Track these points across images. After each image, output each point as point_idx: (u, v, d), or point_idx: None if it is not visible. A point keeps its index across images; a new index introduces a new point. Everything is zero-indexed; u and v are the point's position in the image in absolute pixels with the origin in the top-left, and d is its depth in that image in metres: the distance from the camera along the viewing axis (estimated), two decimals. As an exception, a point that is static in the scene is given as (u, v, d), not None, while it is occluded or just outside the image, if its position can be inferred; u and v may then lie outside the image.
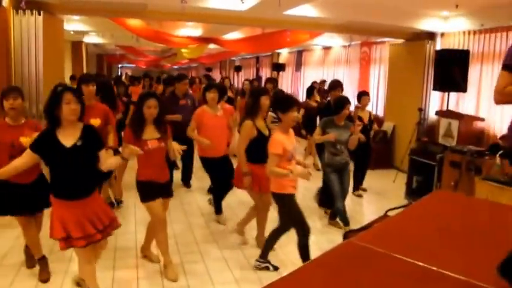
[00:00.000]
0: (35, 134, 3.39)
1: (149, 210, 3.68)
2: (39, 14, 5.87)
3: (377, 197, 6.64)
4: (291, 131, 3.76)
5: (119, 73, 30.71)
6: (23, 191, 3.46)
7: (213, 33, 10.58)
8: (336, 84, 6.15)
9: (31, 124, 3.63)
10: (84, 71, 14.78)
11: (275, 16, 7.14)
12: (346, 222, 4.91)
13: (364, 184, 6.83)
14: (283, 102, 3.64)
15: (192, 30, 10.43)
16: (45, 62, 6.00)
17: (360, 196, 6.53)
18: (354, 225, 4.90)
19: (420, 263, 1.64)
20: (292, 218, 3.72)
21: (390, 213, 4.40)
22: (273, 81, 8.52)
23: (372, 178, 7.63)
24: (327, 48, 12.46)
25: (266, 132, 4.11)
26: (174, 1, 5.73)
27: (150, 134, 3.59)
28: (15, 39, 5.82)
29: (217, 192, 5.22)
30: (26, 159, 2.90)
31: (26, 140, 3.39)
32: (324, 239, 4.77)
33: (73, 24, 10.11)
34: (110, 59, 23.43)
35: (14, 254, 4.04)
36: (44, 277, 3.62)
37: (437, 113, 7.16)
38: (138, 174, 3.70)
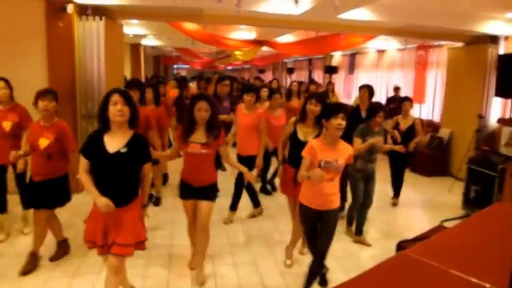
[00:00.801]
0: (52, 136, 3.67)
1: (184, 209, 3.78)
2: (101, 20, 6.15)
3: (431, 206, 6.40)
4: (343, 145, 3.43)
5: (174, 74, 31.57)
6: (33, 187, 3.78)
7: (266, 36, 10.65)
8: (362, 86, 5.86)
9: (57, 126, 3.75)
10: (142, 72, 15.39)
11: (329, 20, 7.08)
12: (359, 231, 4.86)
13: (418, 191, 6.65)
14: (327, 108, 3.46)
15: (245, 33, 10.58)
16: (106, 65, 6.27)
17: (395, 205, 6.22)
18: (406, 235, 4.79)
19: (474, 280, 1.60)
20: (303, 226, 3.63)
21: (446, 224, 4.28)
22: (316, 83, 8.36)
23: (426, 185, 7.41)
24: (381, 51, 12.21)
25: (303, 138, 3.89)
26: (229, 5, 5.83)
27: (197, 137, 3.52)
28: (79, 44, 6.13)
29: (235, 189, 5.33)
30: (83, 166, 2.87)
31: (42, 142, 3.64)
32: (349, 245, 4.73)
33: (132, 27, 10.56)
34: (166, 60, 24.18)
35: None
36: (25, 269, 3.74)
37: (499, 120, 6.82)
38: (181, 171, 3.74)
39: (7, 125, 4.23)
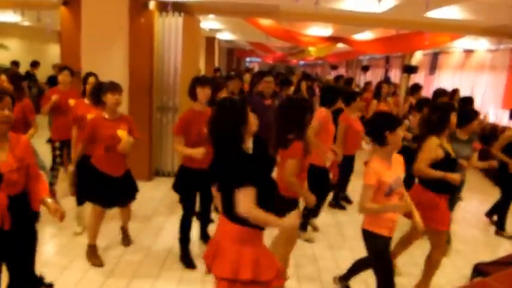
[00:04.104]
0: (127, 127, 3.70)
1: None
2: (180, 15, 6.33)
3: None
4: (399, 159, 3.05)
5: (247, 66, 31.88)
6: (113, 183, 3.74)
7: (343, 32, 10.32)
8: (440, 92, 5.53)
9: (125, 117, 3.85)
10: (216, 64, 15.68)
11: (413, 18, 6.66)
12: None
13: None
14: (387, 118, 2.96)
15: (321, 29, 10.30)
16: (183, 59, 6.43)
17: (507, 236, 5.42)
18: (485, 254, 4.42)
19: None
20: (380, 265, 3.05)
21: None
22: (419, 88, 7.77)
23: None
24: (468, 52, 11.36)
25: (454, 154, 3.51)
26: (307, 2, 5.65)
27: None
28: (158, 39, 6.36)
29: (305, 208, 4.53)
30: None
31: (122, 133, 3.65)
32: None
33: (208, 22, 10.69)
34: (239, 53, 24.49)
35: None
36: (96, 263, 3.85)
37: None
38: None
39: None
